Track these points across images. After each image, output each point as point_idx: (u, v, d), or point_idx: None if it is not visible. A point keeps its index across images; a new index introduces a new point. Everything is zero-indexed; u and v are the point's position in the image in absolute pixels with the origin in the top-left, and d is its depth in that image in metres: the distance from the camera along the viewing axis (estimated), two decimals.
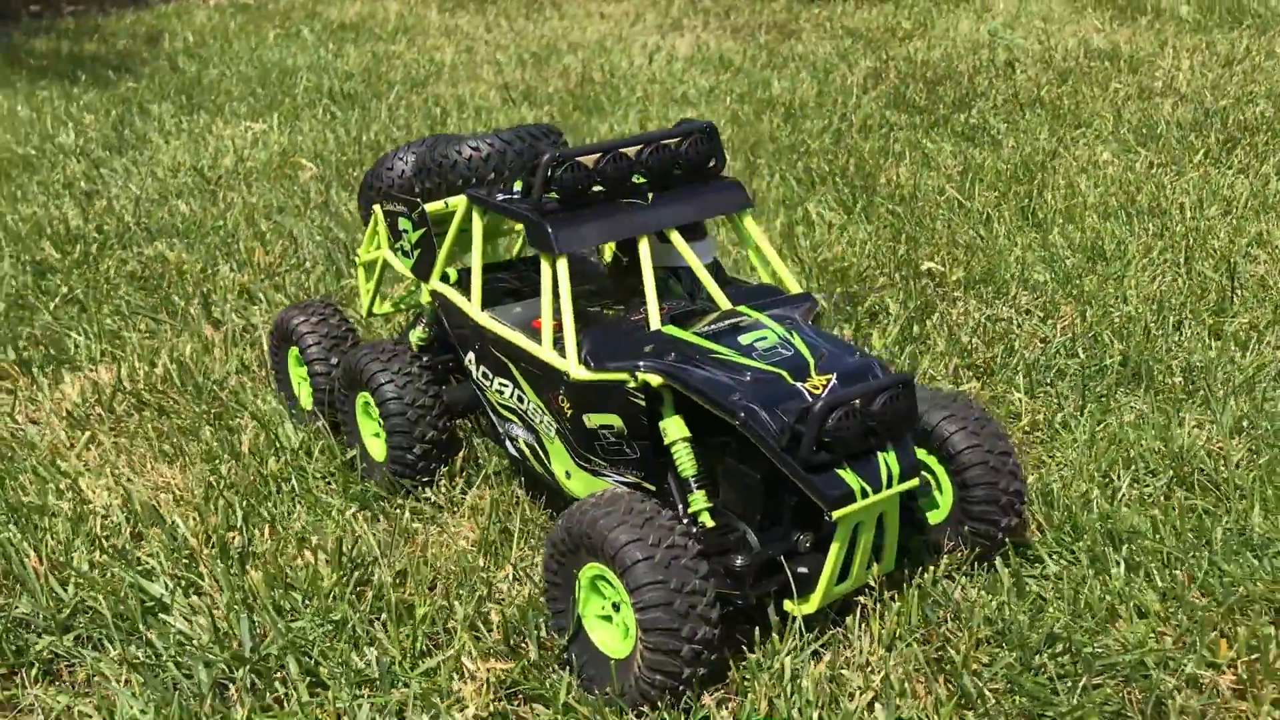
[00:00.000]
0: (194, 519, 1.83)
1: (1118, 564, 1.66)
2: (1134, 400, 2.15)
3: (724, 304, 1.74)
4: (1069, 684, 1.46)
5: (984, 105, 4.23)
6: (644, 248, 1.73)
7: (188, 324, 2.56)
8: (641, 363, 1.59)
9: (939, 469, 1.70)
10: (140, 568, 1.71)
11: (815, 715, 1.40)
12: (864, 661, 1.50)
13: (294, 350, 2.15)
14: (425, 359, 2.00)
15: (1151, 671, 1.48)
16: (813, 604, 1.53)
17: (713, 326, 1.67)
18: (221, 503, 1.85)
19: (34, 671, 1.55)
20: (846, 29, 5.88)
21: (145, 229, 3.15)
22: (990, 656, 1.51)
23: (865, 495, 1.47)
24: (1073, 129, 3.89)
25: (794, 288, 1.82)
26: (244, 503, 1.86)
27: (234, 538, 1.78)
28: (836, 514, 1.46)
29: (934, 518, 1.73)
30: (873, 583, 1.57)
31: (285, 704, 1.47)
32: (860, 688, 1.45)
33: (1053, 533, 1.77)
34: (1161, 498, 1.85)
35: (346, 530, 1.80)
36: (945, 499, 1.71)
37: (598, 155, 1.73)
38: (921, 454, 1.71)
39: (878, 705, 1.43)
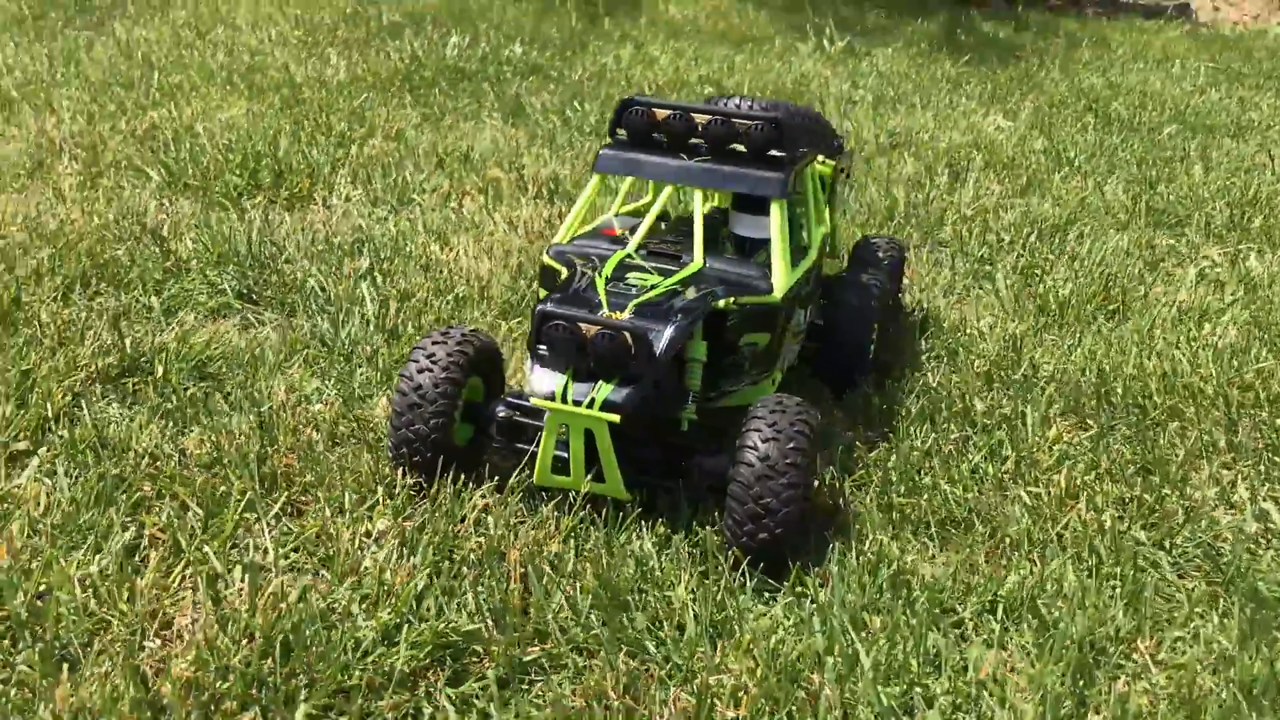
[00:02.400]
0: None
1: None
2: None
3: (698, 260, 1.99)
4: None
5: None
6: (665, 192, 2.06)
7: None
8: (569, 262, 1.99)
9: None
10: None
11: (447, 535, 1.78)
12: (530, 530, 1.78)
13: None
14: None
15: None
16: (535, 477, 1.83)
17: (642, 262, 1.97)
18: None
19: None
20: None
21: None
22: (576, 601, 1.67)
23: (564, 401, 1.74)
24: None
25: (779, 288, 1.97)
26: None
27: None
28: (533, 401, 1.76)
29: None
30: (585, 489, 1.79)
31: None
32: (484, 541, 1.76)
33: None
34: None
35: None
36: None
37: (669, 111, 2.07)
38: None
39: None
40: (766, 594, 1.71)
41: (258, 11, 5.33)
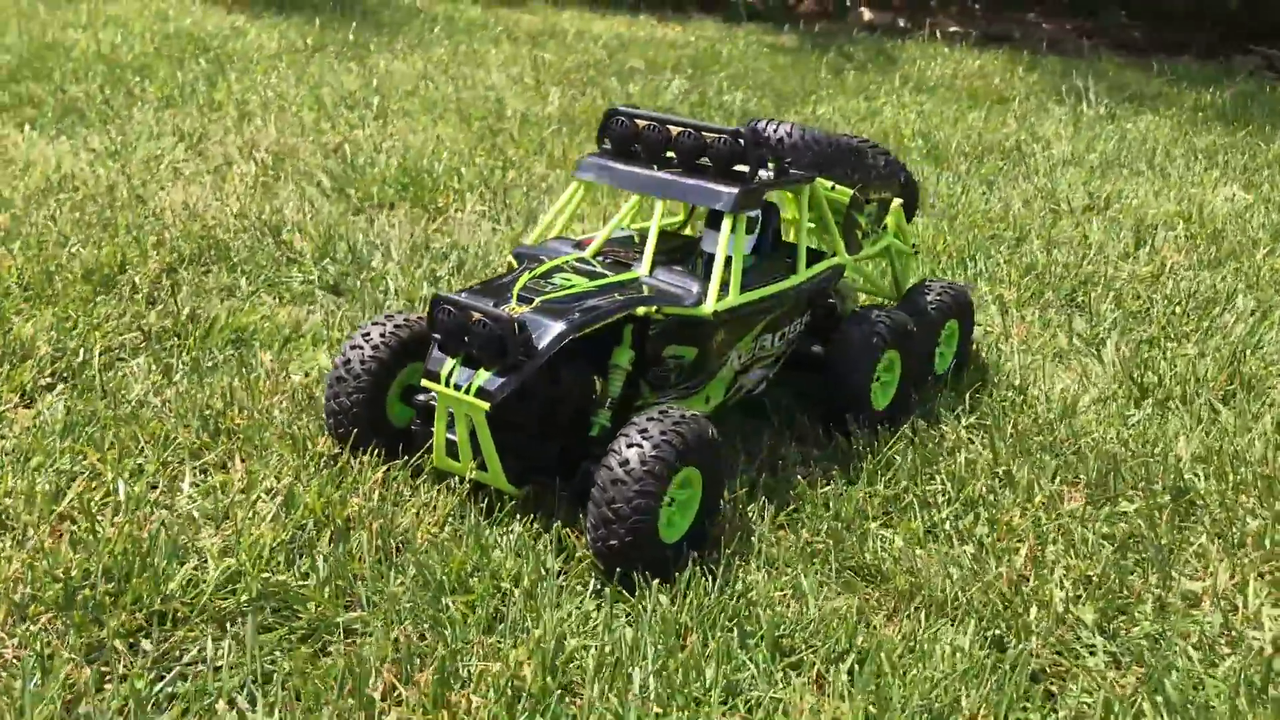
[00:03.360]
0: None
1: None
2: None
3: (644, 267, 1.97)
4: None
5: None
6: (628, 204, 2.07)
7: None
8: (516, 261, 2.04)
9: None
10: None
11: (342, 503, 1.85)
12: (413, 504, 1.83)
13: None
14: None
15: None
16: (434, 459, 1.87)
17: (579, 265, 1.97)
18: None
19: None
20: None
21: None
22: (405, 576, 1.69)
23: (447, 384, 1.77)
24: None
25: (708, 303, 1.91)
26: None
27: None
28: (423, 381, 1.81)
29: None
30: (471, 476, 1.81)
31: None
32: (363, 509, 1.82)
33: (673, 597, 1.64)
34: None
35: None
36: None
37: (647, 123, 2.07)
38: None
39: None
40: (597, 599, 1.66)
41: (512, 53, 5.70)
